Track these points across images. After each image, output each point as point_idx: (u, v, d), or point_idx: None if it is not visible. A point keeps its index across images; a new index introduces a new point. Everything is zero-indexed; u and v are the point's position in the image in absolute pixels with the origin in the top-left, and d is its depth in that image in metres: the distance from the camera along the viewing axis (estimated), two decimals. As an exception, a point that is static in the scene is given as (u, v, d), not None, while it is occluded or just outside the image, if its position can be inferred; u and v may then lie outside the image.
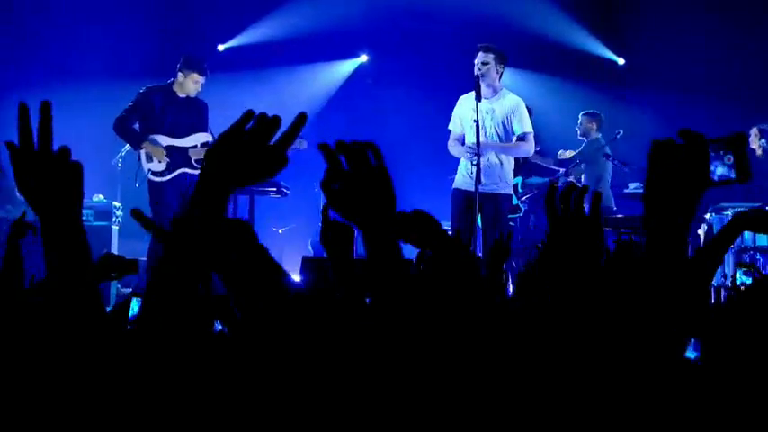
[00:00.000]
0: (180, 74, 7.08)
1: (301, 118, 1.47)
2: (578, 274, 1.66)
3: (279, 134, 1.48)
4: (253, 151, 1.44)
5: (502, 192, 6.61)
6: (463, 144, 6.71)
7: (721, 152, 1.65)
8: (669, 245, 1.48)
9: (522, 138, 6.67)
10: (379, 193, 1.54)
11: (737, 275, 5.83)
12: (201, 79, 7.10)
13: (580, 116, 8.89)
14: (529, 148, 6.75)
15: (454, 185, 6.73)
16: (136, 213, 1.67)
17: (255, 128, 1.45)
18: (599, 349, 1.46)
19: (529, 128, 6.69)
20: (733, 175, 1.64)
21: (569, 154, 8.86)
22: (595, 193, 1.75)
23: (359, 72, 10.92)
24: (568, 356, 1.47)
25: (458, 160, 6.77)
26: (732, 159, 1.64)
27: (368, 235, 1.53)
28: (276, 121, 1.46)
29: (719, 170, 1.61)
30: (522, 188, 8.54)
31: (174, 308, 1.37)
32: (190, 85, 7.05)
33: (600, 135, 8.76)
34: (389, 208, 1.54)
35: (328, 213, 2.38)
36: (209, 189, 1.43)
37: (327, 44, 10.56)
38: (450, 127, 6.86)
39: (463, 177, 6.64)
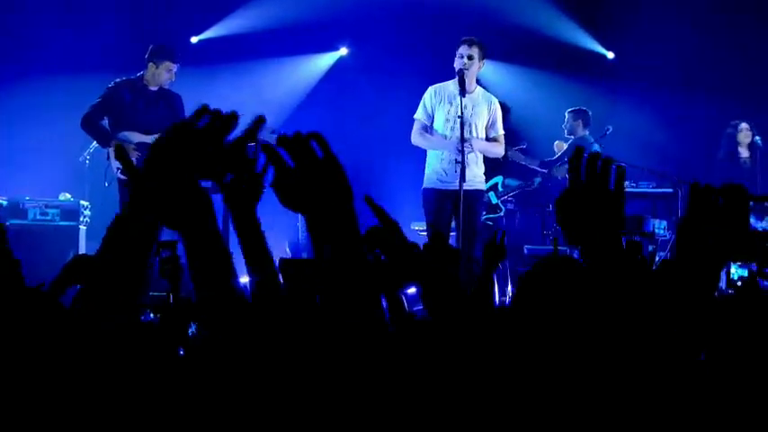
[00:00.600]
0: (150, 64, 7.02)
1: (259, 120, 1.48)
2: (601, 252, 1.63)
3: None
4: (202, 147, 1.42)
5: (478, 188, 6.70)
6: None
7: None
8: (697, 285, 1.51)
9: (496, 139, 6.80)
10: (329, 186, 1.50)
11: (732, 269, 5.91)
12: (175, 67, 7.05)
13: (566, 114, 8.94)
14: (502, 150, 6.93)
15: (426, 184, 6.73)
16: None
17: (209, 124, 1.44)
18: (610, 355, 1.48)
19: (502, 129, 6.86)
20: None
21: (561, 146, 8.87)
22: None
23: (339, 66, 10.91)
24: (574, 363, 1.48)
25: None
26: None
27: (322, 231, 1.50)
28: (231, 119, 1.45)
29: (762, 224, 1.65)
30: (501, 187, 8.54)
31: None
32: (163, 74, 7.01)
33: (587, 133, 8.80)
34: (344, 200, 1.51)
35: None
36: (150, 180, 1.40)
37: (306, 36, 10.54)
38: (416, 116, 6.83)
39: (437, 175, 6.65)
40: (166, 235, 1.60)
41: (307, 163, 1.50)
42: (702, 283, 1.51)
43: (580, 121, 8.82)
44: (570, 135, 8.85)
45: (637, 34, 10.11)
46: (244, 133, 1.47)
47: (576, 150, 1.71)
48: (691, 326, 1.49)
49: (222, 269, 1.47)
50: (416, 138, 6.81)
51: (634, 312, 1.49)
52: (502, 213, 8.49)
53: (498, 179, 8.44)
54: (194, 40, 10.38)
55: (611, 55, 10.61)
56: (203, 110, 1.45)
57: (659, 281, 1.54)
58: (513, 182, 8.72)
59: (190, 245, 1.44)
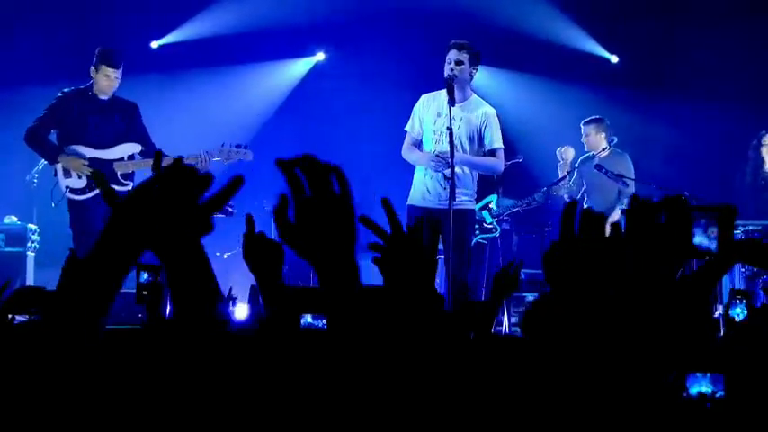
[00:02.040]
0: (92, 69, 7.00)
1: (236, 181, 1.44)
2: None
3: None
4: (172, 210, 1.41)
5: (467, 207, 6.69)
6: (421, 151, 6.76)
7: (703, 221, 1.71)
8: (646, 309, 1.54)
9: (492, 153, 6.76)
10: (341, 227, 1.49)
11: (738, 310, 5.95)
12: (114, 72, 6.98)
13: (583, 126, 8.72)
14: (500, 166, 6.82)
15: (410, 201, 6.75)
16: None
17: (181, 183, 1.41)
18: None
19: (500, 143, 6.79)
20: (714, 248, 1.70)
21: (571, 152, 8.66)
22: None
23: (315, 71, 10.95)
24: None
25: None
26: (716, 233, 1.70)
27: (325, 276, 1.50)
28: (207, 179, 1.43)
29: (698, 239, 1.67)
30: (496, 206, 8.49)
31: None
32: (102, 81, 6.96)
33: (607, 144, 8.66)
34: (351, 245, 1.51)
35: (253, 223, 2.37)
36: (111, 248, 1.38)
37: (280, 40, 10.58)
38: (407, 128, 6.86)
39: (423, 192, 6.66)
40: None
41: (327, 198, 1.49)
42: (657, 308, 1.53)
43: (603, 133, 8.64)
44: (592, 151, 8.65)
45: (642, 37, 10.20)
46: (219, 193, 1.44)
47: (569, 204, 1.72)
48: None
49: (208, 293, 1.48)
50: (404, 151, 6.84)
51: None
52: (497, 233, 8.47)
53: (492, 198, 8.41)
54: (155, 44, 10.40)
55: (614, 59, 10.69)
56: (176, 165, 1.43)
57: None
58: (507, 201, 8.67)
59: (176, 266, 1.44)
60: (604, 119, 8.73)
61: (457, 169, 6.53)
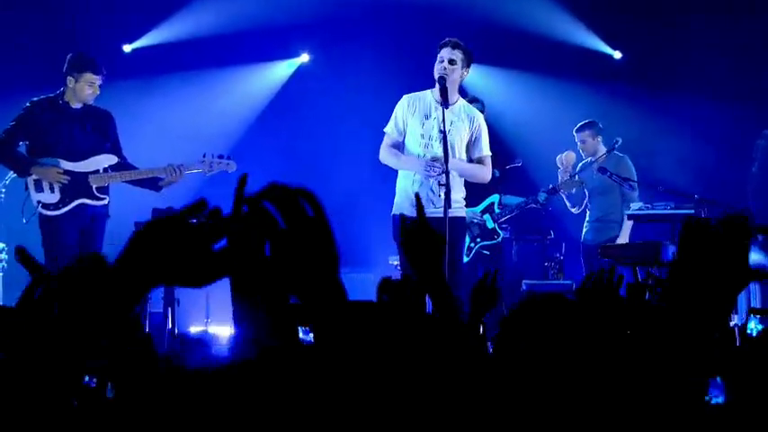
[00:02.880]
0: (69, 79, 6.95)
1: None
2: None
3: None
4: (190, 252, 1.41)
5: (457, 215, 6.64)
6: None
7: (760, 238, 1.70)
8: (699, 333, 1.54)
9: (480, 160, 6.77)
10: (321, 253, 1.49)
11: (752, 324, 5.99)
12: (98, 79, 6.97)
13: (576, 133, 8.73)
14: (488, 175, 6.82)
15: (395, 210, 6.70)
16: (20, 252, 1.64)
17: (204, 225, 1.42)
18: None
19: (488, 150, 6.80)
20: None
21: (572, 157, 8.60)
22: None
23: (299, 74, 10.96)
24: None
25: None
26: None
27: (312, 303, 1.49)
28: (228, 221, 1.45)
29: (755, 256, 1.65)
30: (498, 208, 8.43)
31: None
32: (85, 90, 6.94)
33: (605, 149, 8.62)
34: (334, 271, 1.50)
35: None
36: (122, 283, 1.38)
37: (262, 41, 10.59)
38: (387, 129, 6.78)
39: (409, 200, 6.59)
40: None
41: (300, 225, 1.48)
42: (705, 329, 1.53)
43: (599, 136, 8.66)
44: (590, 156, 8.66)
45: (646, 31, 10.23)
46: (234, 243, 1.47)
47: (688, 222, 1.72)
48: (693, 371, 1.52)
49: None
50: (384, 154, 6.75)
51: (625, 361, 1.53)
52: (500, 239, 8.43)
53: (494, 198, 8.34)
54: (127, 48, 10.39)
55: (618, 55, 10.72)
56: (200, 205, 1.43)
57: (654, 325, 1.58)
58: (512, 199, 8.62)
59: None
60: (596, 121, 8.75)
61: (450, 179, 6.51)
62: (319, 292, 1.48)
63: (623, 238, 8.25)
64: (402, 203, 6.64)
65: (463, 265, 6.68)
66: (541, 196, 8.45)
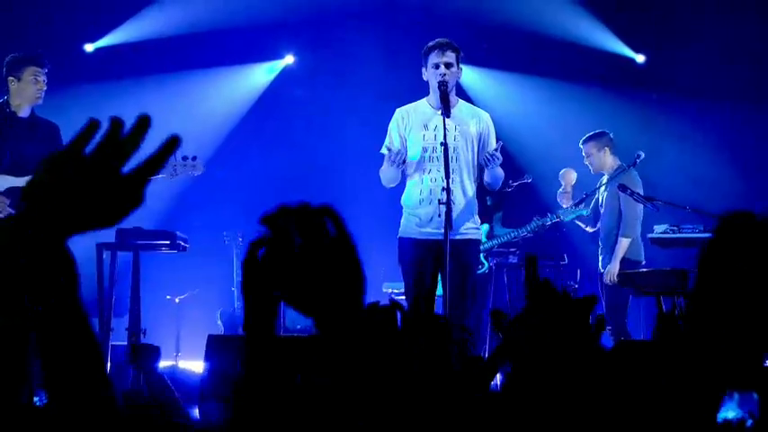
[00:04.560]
0: (10, 80, 6.90)
1: (172, 142, 1.42)
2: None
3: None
4: (95, 182, 1.37)
5: (472, 237, 6.65)
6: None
7: None
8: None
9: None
10: (345, 271, 1.48)
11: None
12: (41, 72, 6.89)
13: (583, 145, 8.63)
14: (502, 173, 6.77)
15: (401, 233, 6.72)
16: None
17: (102, 147, 1.38)
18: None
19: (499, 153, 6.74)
20: None
21: (572, 176, 8.57)
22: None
23: (283, 77, 11.00)
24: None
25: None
26: None
27: (330, 334, 1.49)
28: (137, 136, 1.40)
29: None
30: (485, 238, 8.42)
31: None
32: (30, 87, 6.87)
33: (620, 162, 8.57)
34: (358, 294, 1.50)
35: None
36: (28, 243, 1.34)
37: (243, 42, 10.62)
38: (383, 151, 6.73)
39: (418, 221, 6.62)
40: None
41: (323, 243, 1.48)
42: (735, 372, 1.54)
43: (607, 148, 8.52)
44: (601, 171, 8.57)
45: (672, 34, 10.25)
46: (151, 156, 1.39)
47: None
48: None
49: (94, 366, 1.43)
50: (383, 175, 6.75)
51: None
52: (485, 269, 8.44)
53: (484, 227, 8.32)
54: (89, 48, 10.41)
55: (641, 58, 10.75)
56: (93, 126, 1.38)
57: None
58: (501, 230, 8.65)
59: (47, 333, 1.40)
60: (605, 132, 8.61)
61: (458, 193, 6.55)
62: (341, 322, 1.48)
63: (615, 264, 8.13)
64: (407, 223, 6.67)
65: (475, 294, 6.65)
66: (535, 225, 8.50)
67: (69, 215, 1.36)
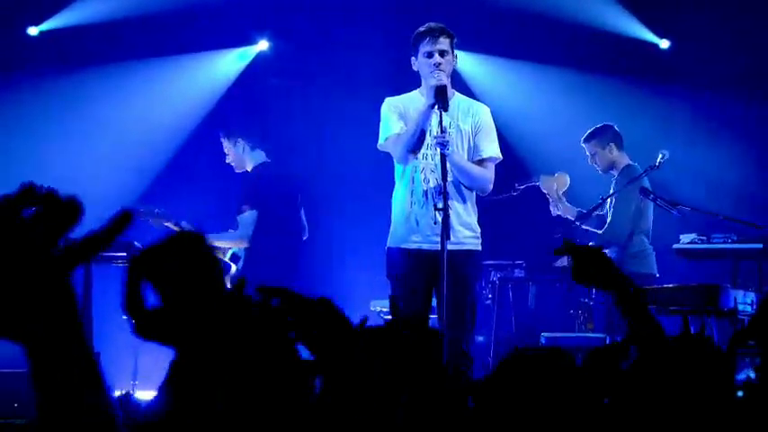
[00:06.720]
0: None
1: (124, 217, 1.43)
2: None
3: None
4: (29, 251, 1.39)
5: (473, 248, 6.67)
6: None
7: None
8: None
9: (480, 163, 6.73)
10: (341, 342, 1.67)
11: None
12: None
13: (584, 144, 8.67)
14: (488, 180, 6.74)
15: (391, 243, 6.73)
16: None
17: (36, 216, 1.40)
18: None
19: (493, 151, 6.76)
20: None
21: (563, 180, 8.47)
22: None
23: (256, 64, 11.02)
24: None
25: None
26: None
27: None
28: (74, 211, 1.42)
29: None
30: None
31: None
32: None
33: (630, 161, 8.53)
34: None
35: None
36: None
37: (211, 25, 10.62)
38: (389, 133, 6.68)
39: (410, 228, 6.63)
40: None
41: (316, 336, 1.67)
42: None
43: (613, 144, 8.54)
44: (610, 171, 8.62)
45: (699, 17, 10.26)
46: (94, 237, 1.42)
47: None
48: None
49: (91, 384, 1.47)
50: (392, 149, 6.70)
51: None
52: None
53: None
54: (33, 31, 10.40)
55: (665, 44, 10.77)
56: (27, 192, 1.40)
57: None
58: None
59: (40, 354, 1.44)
60: (609, 126, 8.65)
61: (455, 197, 6.56)
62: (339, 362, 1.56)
63: None
64: (397, 231, 6.67)
65: (475, 309, 6.64)
66: None
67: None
